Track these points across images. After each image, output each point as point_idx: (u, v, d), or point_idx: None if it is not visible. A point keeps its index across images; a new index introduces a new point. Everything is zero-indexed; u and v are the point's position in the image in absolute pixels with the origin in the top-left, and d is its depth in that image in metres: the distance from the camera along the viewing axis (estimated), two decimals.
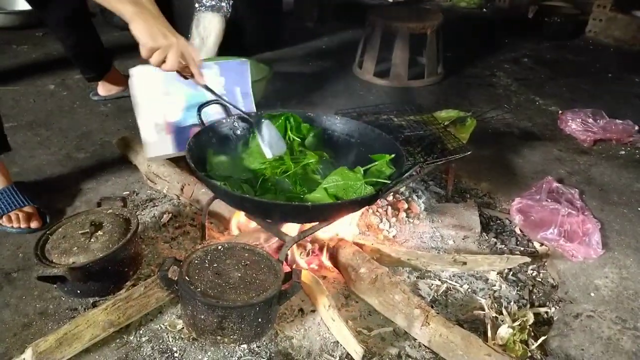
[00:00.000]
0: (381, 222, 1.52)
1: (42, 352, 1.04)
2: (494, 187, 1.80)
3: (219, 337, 1.10)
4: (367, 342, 1.16)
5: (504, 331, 1.17)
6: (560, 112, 2.32)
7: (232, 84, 1.49)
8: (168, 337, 1.16)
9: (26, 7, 2.36)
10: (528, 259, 1.39)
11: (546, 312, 1.28)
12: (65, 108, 2.25)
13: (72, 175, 1.77)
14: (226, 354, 1.12)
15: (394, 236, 1.50)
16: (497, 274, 1.38)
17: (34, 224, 1.47)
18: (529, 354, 1.15)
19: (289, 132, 1.44)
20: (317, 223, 1.25)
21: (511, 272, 1.39)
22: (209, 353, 1.12)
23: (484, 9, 4.15)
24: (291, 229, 1.30)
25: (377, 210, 1.56)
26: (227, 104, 1.38)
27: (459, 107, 2.00)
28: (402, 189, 1.65)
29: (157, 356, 1.11)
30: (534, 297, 1.34)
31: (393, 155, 1.29)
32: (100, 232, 1.27)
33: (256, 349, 1.13)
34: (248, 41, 2.83)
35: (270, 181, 1.28)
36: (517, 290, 1.34)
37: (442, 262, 1.38)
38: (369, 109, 1.77)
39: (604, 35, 3.50)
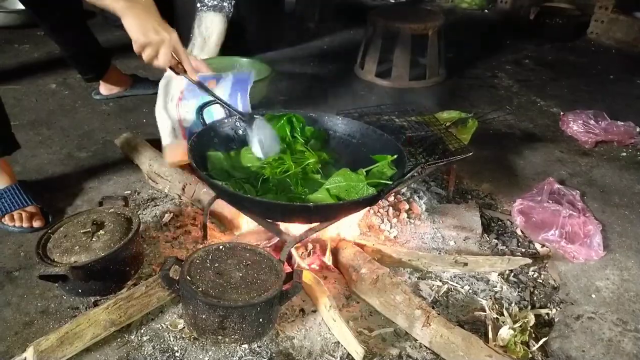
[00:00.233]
0: (382, 222, 1.52)
1: (43, 351, 1.04)
2: (495, 188, 1.80)
3: (220, 337, 1.10)
4: (368, 342, 1.16)
5: (505, 332, 1.17)
6: (561, 113, 2.32)
7: (236, 90, 1.49)
8: (169, 336, 1.16)
9: None
10: (529, 261, 1.39)
11: (547, 314, 1.28)
12: (67, 107, 2.25)
13: (74, 175, 1.77)
14: (227, 353, 1.12)
15: (395, 237, 1.50)
16: (498, 275, 1.38)
17: (36, 223, 1.47)
18: (530, 355, 1.15)
19: (288, 132, 1.43)
20: (319, 223, 1.25)
21: (512, 274, 1.39)
22: (210, 353, 1.12)
23: (486, 10, 4.15)
24: (293, 229, 1.30)
25: (379, 211, 1.56)
26: (223, 104, 1.37)
27: (460, 108, 2.00)
28: (404, 190, 1.65)
29: (158, 355, 1.11)
30: (535, 298, 1.34)
31: (395, 156, 1.29)
32: (101, 232, 1.27)
33: (257, 348, 1.13)
34: (250, 41, 2.83)
35: (271, 181, 1.28)
36: (518, 292, 1.34)
37: (443, 263, 1.38)
38: (371, 110, 1.77)
39: (605, 37, 3.49)
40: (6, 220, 1.47)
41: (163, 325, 1.18)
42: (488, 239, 1.53)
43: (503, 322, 1.21)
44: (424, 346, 1.15)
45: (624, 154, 2.09)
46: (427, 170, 1.49)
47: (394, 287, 1.22)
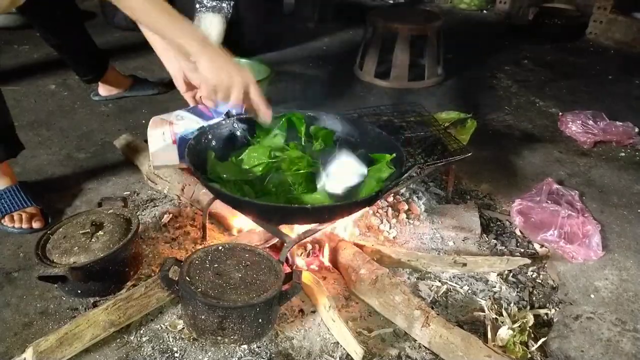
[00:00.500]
0: (381, 223, 1.53)
1: (42, 352, 1.04)
2: (494, 188, 1.80)
3: (219, 338, 1.10)
4: (367, 342, 1.16)
5: (504, 332, 1.17)
6: (560, 113, 2.32)
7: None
8: (168, 337, 1.16)
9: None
10: (528, 261, 1.39)
11: (546, 314, 1.29)
12: (66, 108, 2.25)
13: (73, 175, 1.77)
14: (226, 354, 1.12)
15: (394, 237, 1.50)
16: (497, 275, 1.38)
17: (36, 224, 1.47)
18: (529, 356, 1.15)
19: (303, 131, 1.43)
20: (318, 224, 1.25)
21: (511, 274, 1.40)
22: (209, 353, 1.12)
23: (485, 11, 4.15)
24: (292, 230, 1.30)
25: (378, 212, 1.56)
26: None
27: (459, 109, 2.01)
28: (403, 190, 1.65)
29: (158, 356, 1.11)
30: (534, 298, 1.34)
31: (393, 155, 1.29)
32: (101, 232, 1.27)
33: (256, 349, 1.13)
34: (249, 42, 2.83)
35: (272, 182, 1.28)
36: (517, 292, 1.34)
37: (443, 264, 1.38)
38: (370, 111, 1.78)
39: (604, 37, 3.50)
40: (6, 221, 1.47)
41: (162, 326, 1.18)
42: (487, 239, 1.53)
43: (502, 322, 1.21)
44: (423, 346, 1.16)
45: (623, 154, 2.10)
46: (426, 171, 1.49)
47: (393, 288, 1.22)
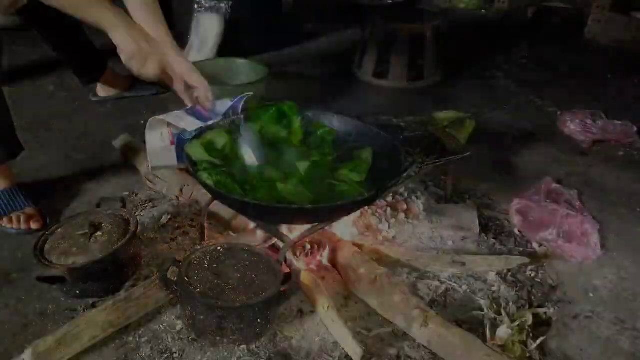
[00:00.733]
0: (380, 222, 1.52)
1: (41, 353, 1.04)
2: (493, 188, 1.80)
3: (218, 338, 1.10)
4: (367, 342, 1.16)
5: (503, 332, 1.17)
6: (559, 113, 2.32)
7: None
8: (167, 337, 1.16)
9: None
10: (527, 260, 1.39)
11: (545, 313, 1.29)
12: (65, 109, 2.25)
13: (72, 176, 1.77)
14: (225, 354, 1.12)
15: (393, 237, 1.50)
16: (496, 274, 1.38)
17: (34, 225, 1.47)
18: (528, 355, 1.15)
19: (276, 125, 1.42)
20: (317, 224, 1.25)
21: (510, 273, 1.39)
22: (208, 353, 1.12)
23: (483, 10, 4.15)
24: (291, 229, 1.30)
25: (377, 211, 1.56)
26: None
27: (458, 108, 2.01)
28: (401, 190, 1.65)
29: (157, 356, 1.11)
30: (533, 297, 1.34)
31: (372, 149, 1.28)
32: (99, 233, 1.27)
33: (255, 349, 1.13)
34: (247, 42, 2.83)
35: (265, 179, 1.26)
36: (516, 291, 1.34)
37: (441, 263, 1.38)
38: (368, 113, 1.77)
39: (603, 36, 3.49)
40: (4, 222, 1.47)
41: (161, 326, 1.18)
42: (486, 238, 1.53)
43: (501, 322, 1.21)
44: (423, 346, 1.15)
45: (621, 153, 2.09)
46: (424, 170, 1.49)
47: (392, 287, 1.22)
